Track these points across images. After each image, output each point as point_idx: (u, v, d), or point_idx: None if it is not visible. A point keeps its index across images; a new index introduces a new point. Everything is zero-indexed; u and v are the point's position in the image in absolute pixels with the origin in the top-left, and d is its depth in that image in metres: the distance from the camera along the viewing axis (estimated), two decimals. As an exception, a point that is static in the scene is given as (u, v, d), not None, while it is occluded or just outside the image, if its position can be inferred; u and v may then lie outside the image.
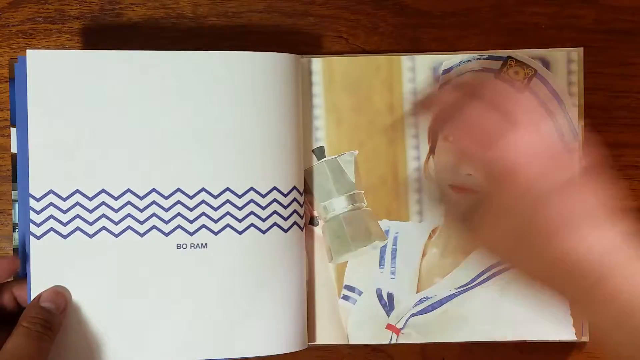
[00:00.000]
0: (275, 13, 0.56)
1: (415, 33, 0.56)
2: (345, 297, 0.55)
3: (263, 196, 0.52)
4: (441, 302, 0.54)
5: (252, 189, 0.52)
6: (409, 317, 0.54)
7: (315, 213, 0.55)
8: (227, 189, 0.52)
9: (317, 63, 0.55)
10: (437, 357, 0.57)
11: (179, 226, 0.51)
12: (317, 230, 0.55)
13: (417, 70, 0.55)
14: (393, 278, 0.55)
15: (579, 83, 0.54)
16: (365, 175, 0.55)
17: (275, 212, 0.52)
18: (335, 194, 0.54)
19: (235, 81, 0.52)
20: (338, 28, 0.56)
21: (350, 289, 0.55)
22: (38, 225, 0.51)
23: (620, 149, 0.56)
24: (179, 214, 0.51)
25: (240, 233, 0.52)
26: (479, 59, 0.54)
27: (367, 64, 0.55)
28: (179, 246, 0.51)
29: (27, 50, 0.51)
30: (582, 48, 0.54)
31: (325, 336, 0.55)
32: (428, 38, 0.56)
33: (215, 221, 0.52)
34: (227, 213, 0.52)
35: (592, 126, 0.54)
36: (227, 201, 0.52)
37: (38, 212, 0.50)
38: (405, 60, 0.55)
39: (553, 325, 0.54)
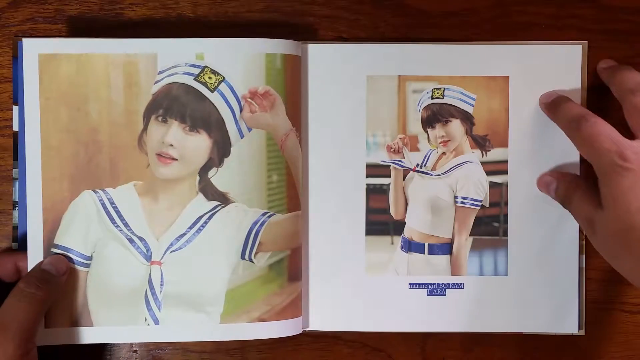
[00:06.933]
0: (276, 13, 0.56)
1: (416, 33, 0.56)
2: None
3: None
4: None
5: None
6: None
7: None
8: None
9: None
10: (437, 357, 0.57)
11: None
12: None
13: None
14: None
15: (582, 77, 0.54)
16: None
17: None
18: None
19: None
20: (338, 28, 0.56)
21: None
22: None
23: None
24: None
25: None
26: None
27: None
28: None
29: (23, 39, 0.51)
30: (586, 42, 0.54)
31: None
32: (428, 38, 0.56)
33: None
34: None
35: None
36: None
37: None
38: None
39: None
